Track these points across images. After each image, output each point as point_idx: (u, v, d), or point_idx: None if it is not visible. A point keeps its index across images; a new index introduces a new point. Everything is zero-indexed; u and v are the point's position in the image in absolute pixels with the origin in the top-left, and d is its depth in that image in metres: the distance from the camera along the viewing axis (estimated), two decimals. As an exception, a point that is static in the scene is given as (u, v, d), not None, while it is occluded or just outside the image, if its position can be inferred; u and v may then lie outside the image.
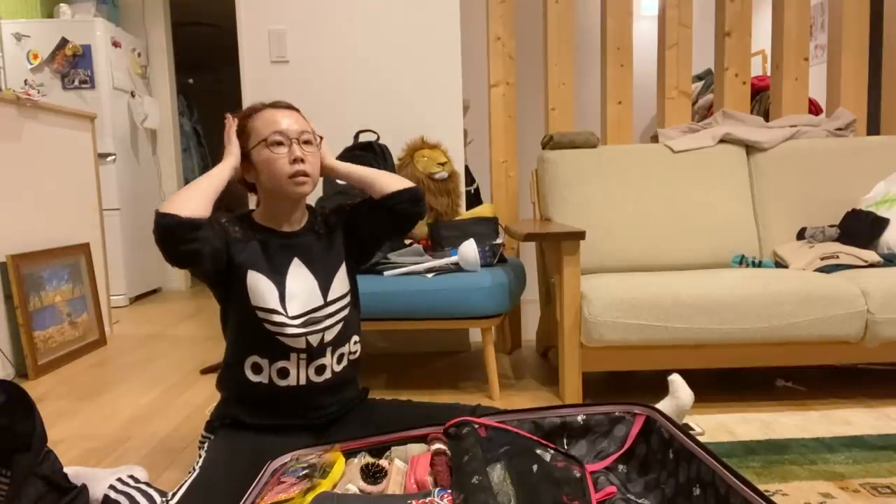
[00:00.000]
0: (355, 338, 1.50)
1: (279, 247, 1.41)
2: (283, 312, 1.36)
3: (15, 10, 4.17)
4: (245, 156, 1.40)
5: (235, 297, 1.37)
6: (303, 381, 1.40)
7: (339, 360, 1.46)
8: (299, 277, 1.41)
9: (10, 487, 1.24)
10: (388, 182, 1.45)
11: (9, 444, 1.26)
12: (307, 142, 1.39)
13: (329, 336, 1.42)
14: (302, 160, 1.36)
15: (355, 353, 1.50)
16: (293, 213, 1.44)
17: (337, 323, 1.43)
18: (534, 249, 2.87)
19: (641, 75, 3.51)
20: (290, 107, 1.43)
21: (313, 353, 1.39)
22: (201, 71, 6.52)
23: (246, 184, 1.47)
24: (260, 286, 1.35)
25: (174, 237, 1.21)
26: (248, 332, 1.38)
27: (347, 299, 1.47)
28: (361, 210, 1.49)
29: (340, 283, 1.46)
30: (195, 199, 1.25)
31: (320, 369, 1.42)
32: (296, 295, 1.38)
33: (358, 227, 1.50)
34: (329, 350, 1.42)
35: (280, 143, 1.36)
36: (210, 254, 1.27)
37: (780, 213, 2.54)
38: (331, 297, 1.43)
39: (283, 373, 1.39)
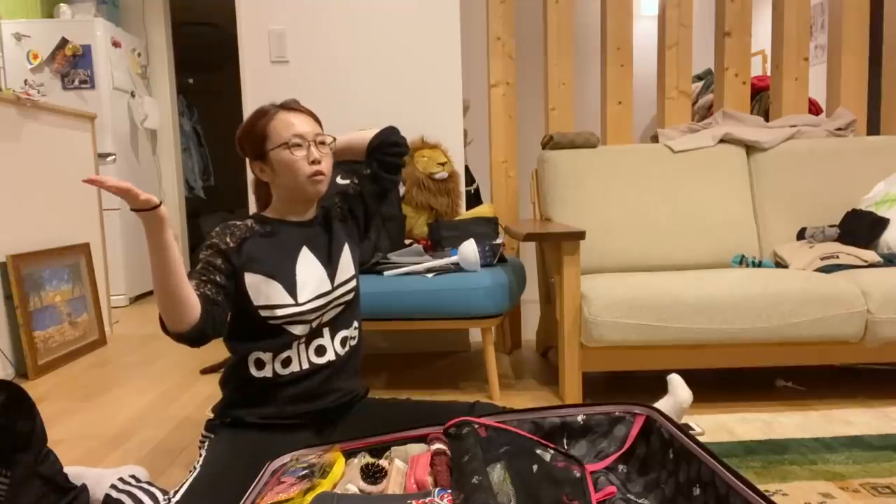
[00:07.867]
0: (355, 322, 1.54)
1: (289, 235, 1.45)
2: (293, 302, 1.39)
3: (15, 10, 4.17)
4: (261, 157, 1.43)
5: (238, 300, 1.39)
6: (305, 366, 1.42)
7: (343, 344, 1.49)
8: (309, 265, 1.44)
9: (10, 487, 1.24)
10: (364, 135, 1.58)
11: (9, 444, 1.26)
12: (322, 143, 1.44)
13: (327, 317, 1.46)
14: (318, 161, 1.42)
15: (355, 337, 1.53)
16: (306, 210, 1.50)
17: (339, 306, 1.47)
18: (534, 249, 2.87)
19: (641, 75, 3.51)
20: (303, 109, 1.47)
21: (311, 333, 1.43)
22: (201, 71, 6.51)
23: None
24: (259, 286, 1.37)
25: (197, 343, 1.28)
26: (252, 330, 1.40)
27: (353, 283, 1.51)
28: (356, 189, 1.59)
29: (345, 267, 1.50)
30: (175, 309, 1.21)
31: (320, 350, 1.45)
32: (307, 282, 1.42)
33: (360, 198, 1.58)
34: (327, 330, 1.46)
35: (299, 146, 1.40)
36: (226, 310, 1.34)
37: (780, 213, 2.54)
38: (337, 281, 1.47)
39: (286, 362, 1.41)
